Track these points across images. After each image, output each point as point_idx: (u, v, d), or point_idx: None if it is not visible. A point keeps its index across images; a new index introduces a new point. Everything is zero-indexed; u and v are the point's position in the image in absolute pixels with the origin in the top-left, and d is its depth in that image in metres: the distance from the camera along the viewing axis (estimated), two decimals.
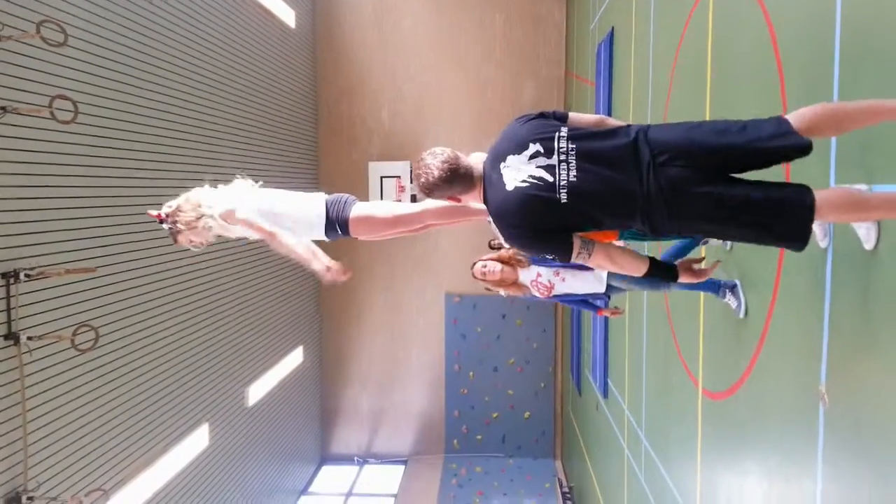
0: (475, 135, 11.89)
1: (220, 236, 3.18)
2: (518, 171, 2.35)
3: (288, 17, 11.36)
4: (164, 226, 3.09)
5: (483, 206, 2.61)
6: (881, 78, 2.57)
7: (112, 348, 6.14)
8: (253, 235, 3.16)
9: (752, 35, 3.85)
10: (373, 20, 13.09)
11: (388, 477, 13.44)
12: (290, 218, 3.11)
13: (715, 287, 4.11)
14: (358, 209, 3.10)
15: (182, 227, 3.05)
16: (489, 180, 2.45)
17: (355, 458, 13.78)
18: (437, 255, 13.48)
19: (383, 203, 3.18)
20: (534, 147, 2.34)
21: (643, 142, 2.26)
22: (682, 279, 2.47)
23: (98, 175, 6.02)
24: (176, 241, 3.12)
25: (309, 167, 12.63)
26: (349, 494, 12.83)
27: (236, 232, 3.17)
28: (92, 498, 5.49)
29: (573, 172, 2.28)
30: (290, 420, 11.65)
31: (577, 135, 2.35)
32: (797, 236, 2.18)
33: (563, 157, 2.29)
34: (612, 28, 8.22)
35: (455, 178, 2.44)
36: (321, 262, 3.11)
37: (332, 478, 13.44)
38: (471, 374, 13.68)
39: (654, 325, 6.24)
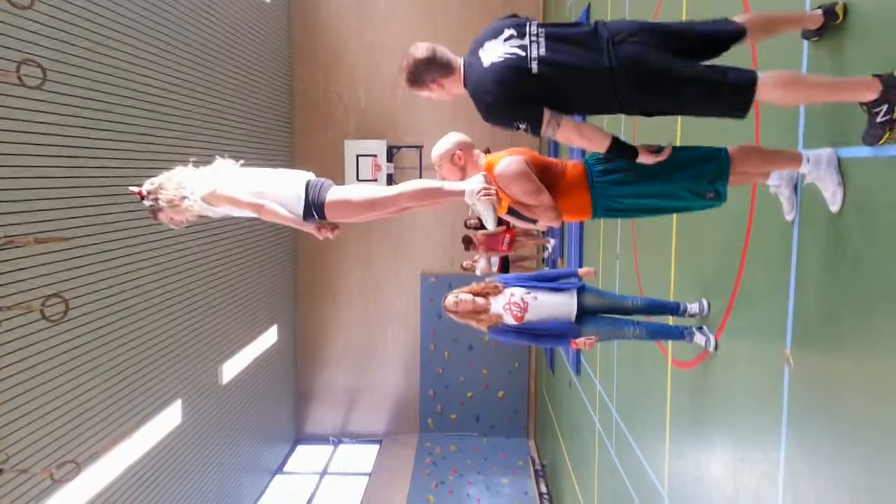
0: (454, 109, 11.87)
1: (201, 216, 3.16)
2: (493, 52, 2.62)
3: None
4: (146, 202, 3.05)
5: (456, 187, 2.83)
6: (848, 40, 2.62)
7: (84, 321, 6.08)
8: (237, 212, 3.14)
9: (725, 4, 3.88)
10: None
11: (363, 456, 13.51)
12: (272, 199, 3.10)
13: (680, 333, 4.23)
14: (333, 193, 3.06)
15: (164, 204, 3.01)
16: (469, 65, 2.71)
17: (330, 438, 13.82)
18: (414, 235, 13.48)
19: (359, 186, 3.14)
20: (508, 32, 2.63)
21: (602, 27, 2.57)
22: (641, 158, 2.73)
23: (68, 144, 5.91)
24: (156, 218, 3.10)
25: (283, 145, 12.52)
26: (324, 473, 12.87)
27: (219, 211, 3.15)
28: (63, 471, 5.45)
29: (542, 49, 2.55)
30: (264, 399, 11.63)
31: (545, 24, 2.65)
32: (741, 106, 2.46)
33: (533, 38, 2.58)
34: (589, 5, 8.25)
35: (434, 61, 2.71)
36: (311, 224, 3.11)
37: (306, 457, 13.47)
38: (446, 353, 13.76)
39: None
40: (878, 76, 2.37)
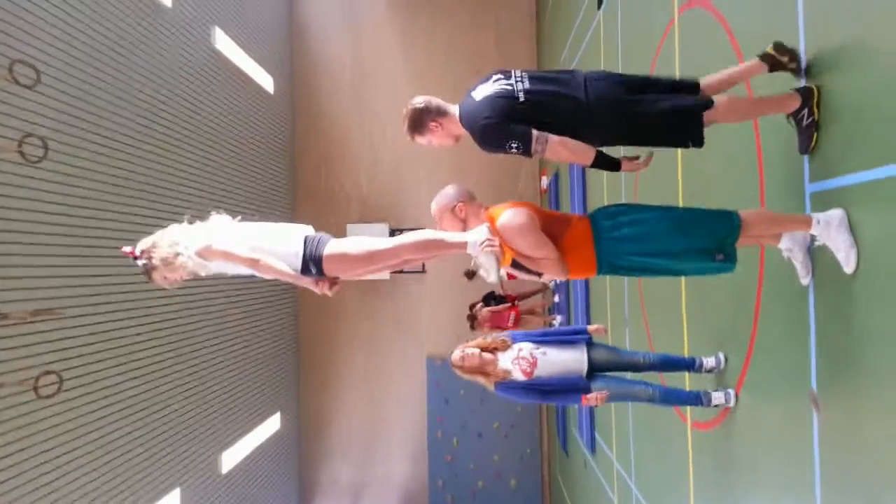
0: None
1: (195, 275, 3.07)
2: (485, 90, 2.93)
3: (267, 83, 11.57)
4: (139, 262, 2.98)
5: (459, 239, 2.83)
6: (840, 83, 2.62)
7: (79, 401, 5.88)
8: (232, 269, 3.05)
9: (719, 54, 3.94)
10: (350, 87, 13.39)
11: None
12: (269, 253, 3.02)
13: (697, 398, 4.04)
14: (332, 246, 2.98)
15: (157, 263, 2.93)
16: (463, 105, 2.99)
17: None
18: (419, 317, 13.33)
19: (358, 239, 3.05)
20: (496, 76, 2.97)
21: (578, 72, 2.99)
22: (624, 167, 2.91)
23: (64, 221, 5.88)
24: (150, 278, 3.01)
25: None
26: None
27: (213, 268, 3.06)
28: None
29: (526, 84, 2.90)
30: (266, 490, 11.14)
31: (528, 70, 3.02)
32: (693, 138, 2.86)
33: (518, 78, 2.93)
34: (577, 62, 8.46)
35: (430, 105, 3.02)
36: (309, 278, 3.00)
37: None
38: (455, 440, 13.30)
39: None
40: (797, 90, 2.81)
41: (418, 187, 12.91)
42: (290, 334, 12.70)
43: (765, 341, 3.48)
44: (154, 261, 2.92)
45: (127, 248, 3.00)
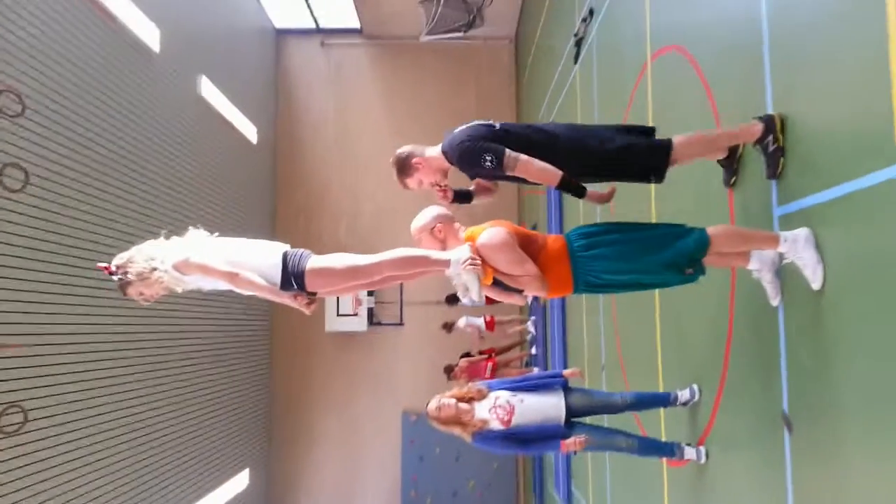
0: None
1: (171, 291, 3.04)
2: (465, 126, 3.21)
3: (251, 132, 11.71)
4: (114, 277, 2.95)
5: (442, 256, 2.88)
6: (806, 127, 2.75)
7: (45, 441, 5.67)
8: (210, 284, 3.02)
9: (693, 100, 4.10)
10: (333, 139, 13.61)
11: None
12: (248, 268, 3.01)
13: (671, 450, 4.09)
14: (314, 261, 2.99)
15: (133, 277, 2.89)
16: (445, 140, 3.24)
17: None
18: (395, 370, 13.18)
19: (340, 255, 3.05)
20: (474, 121, 3.23)
21: (547, 123, 3.29)
22: (588, 199, 3.09)
23: (36, 252, 5.81)
24: (125, 293, 2.97)
25: None
26: None
27: (190, 283, 3.04)
28: None
29: (500, 129, 3.15)
30: None
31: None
32: (655, 173, 3.05)
33: (492, 120, 3.25)
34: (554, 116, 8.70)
35: (413, 149, 3.33)
36: (288, 294, 2.98)
37: None
38: (429, 500, 12.95)
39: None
40: (759, 118, 2.94)
41: (397, 240, 12.86)
42: (261, 386, 12.44)
43: (737, 367, 3.51)
44: (130, 275, 2.88)
45: (102, 264, 2.96)
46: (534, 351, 10.66)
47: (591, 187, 3.15)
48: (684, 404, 4.14)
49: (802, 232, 2.69)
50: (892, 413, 2.19)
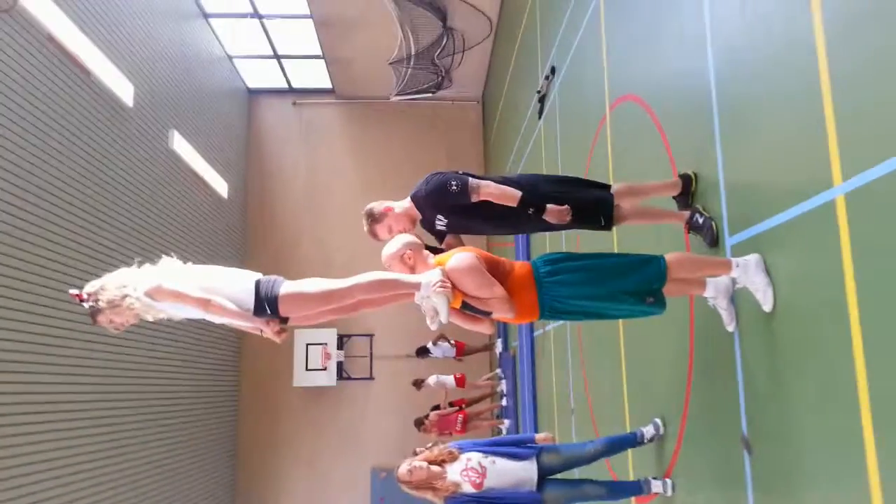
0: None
1: (141, 318, 3.06)
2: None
3: (221, 187, 11.80)
4: (85, 305, 2.96)
5: (412, 280, 2.96)
6: (758, 169, 2.97)
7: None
8: (182, 312, 3.04)
9: (650, 145, 4.34)
10: (303, 193, 13.77)
11: None
12: (221, 295, 3.05)
13: (639, 488, 4.15)
14: (288, 286, 3.05)
15: (104, 305, 2.91)
16: (413, 190, 3.51)
17: None
18: (364, 427, 13.02)
19: (313, 280, 3.10)
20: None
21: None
22: (549, 216, 3.36)
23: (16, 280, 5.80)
24: (95, 321, 2.97)
25: (232, 332, 12.37)
26: None
27: (161, 312, 3.05)
28: None
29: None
30: None
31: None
32: (605, 221, 3.45)
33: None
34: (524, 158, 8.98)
35: (383, 203, 3.57)
36: (261, 320, 3.02)
37: None
38: None
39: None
40: (679, 175, 3.56)
41: None
42: (227, 441, 12.16)
43: (699, 394, 3.63)
44: (101, 303, 2.88)
45: (74, 291, 2.97)
46: (504, 402, 10.65)
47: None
48: (651, 440, 4.21)
49: (753, 258, 2.87)
50: (843, 422, 2.31)
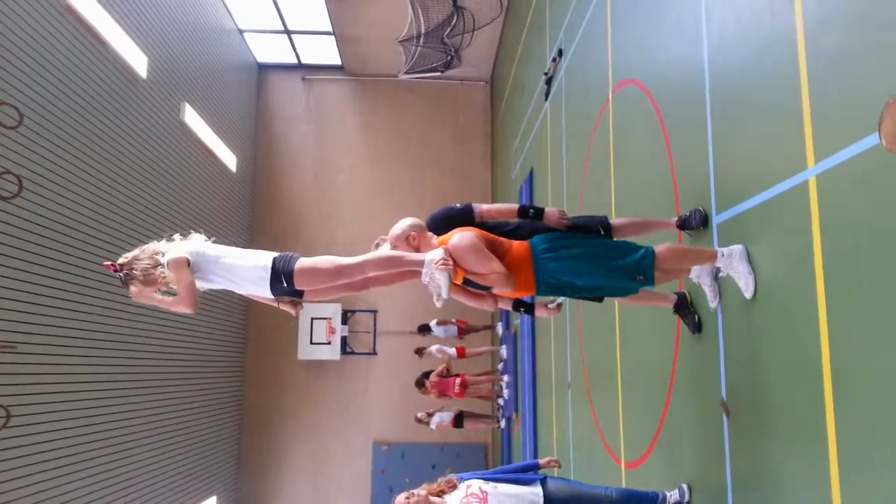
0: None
1: (171, 287, 3.27)
2: None
3: (230, 161, 11.98)
4: (119, 275, 3.17)
5: (419, 258, 3.17)
6: (744, 151, 3.12)
7: (24, 441, 5.75)
8: (206, 284, 3.27)
9: (648, 127, 4.49)
10: (311, 170, 13.93)
11: None
12: (240, 268, 3.26)
13: (654, 498, 3.94)
14: (303, 261, 3.29)
15: (137, 273, 3.14)
16: (427, 218, 3.69)
17: None
18: (367, 401, 13.28)
19: (326, 256, 3.36)
20: None
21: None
22: (547, 220, 3.48)
23: (31, 255, 6.00)
24: (128, 289, 3.20)
25: (239, 307, 12.61)
26: None
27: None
28: None
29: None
30: None
31: None
32: (604, 230, 3.59)
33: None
34: (532, 169, 9.10)
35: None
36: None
37: None
38: None
39: (580, 419, 6.37)
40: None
41: None
42: (232, 413, 12.46)
43: (684, 363, 3.82)
44: (135, 271, 3.12)
45: (108, 263, 3.19)
46: (505, 378, 10.85)
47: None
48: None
49: (737, 248, 3.04)
50: (808, 389, 2.49)
